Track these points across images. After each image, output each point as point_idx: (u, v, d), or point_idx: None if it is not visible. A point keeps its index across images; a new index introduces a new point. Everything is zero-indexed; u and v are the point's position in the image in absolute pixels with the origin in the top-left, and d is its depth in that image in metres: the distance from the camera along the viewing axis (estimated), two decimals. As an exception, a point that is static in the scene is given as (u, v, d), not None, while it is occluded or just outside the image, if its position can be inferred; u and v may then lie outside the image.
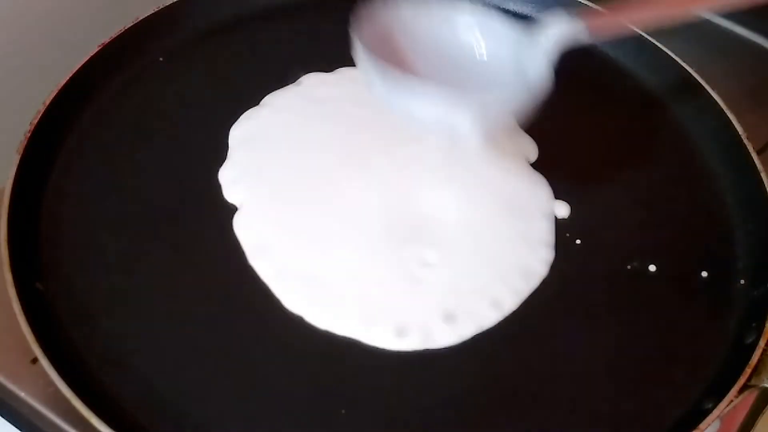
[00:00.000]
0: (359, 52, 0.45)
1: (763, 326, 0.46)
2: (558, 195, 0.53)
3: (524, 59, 0.46)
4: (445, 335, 0.47)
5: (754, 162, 0.54)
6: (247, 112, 0.57)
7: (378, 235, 0.50)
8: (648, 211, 0.54)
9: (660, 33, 0.58)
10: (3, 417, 0.48)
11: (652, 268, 0.50)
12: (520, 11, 0.65)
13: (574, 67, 0.60)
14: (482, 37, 0.48)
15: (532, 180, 0.54)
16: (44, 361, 0.42)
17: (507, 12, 0.65)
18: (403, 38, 0.48)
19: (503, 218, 0.52)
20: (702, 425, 0.42)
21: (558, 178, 0.54)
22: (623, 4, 0.47)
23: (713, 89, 0.58)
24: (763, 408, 0.48)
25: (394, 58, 0.47)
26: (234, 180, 0.53)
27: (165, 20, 0.60)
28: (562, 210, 0.53)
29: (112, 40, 0.57)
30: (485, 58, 0.48)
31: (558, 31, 0.46)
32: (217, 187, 0.53)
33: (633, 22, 0.50)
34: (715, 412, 0.43)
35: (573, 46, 0.47)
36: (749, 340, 0.46)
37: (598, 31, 0.47)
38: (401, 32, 0.48)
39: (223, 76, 0.60)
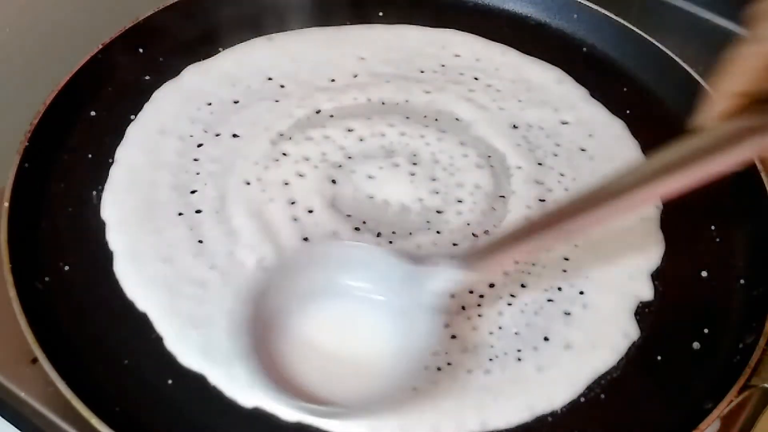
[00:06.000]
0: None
1: (763, 326, 0.46)
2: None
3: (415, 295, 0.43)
4: None
5: (754, 162, 0.54)
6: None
7: None
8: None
9: (661, 33, 0.58)
10: (3, 417, 0.48)
11: (651, 268, 0.50)
12: (520, 11, 0.65)
13: (574, 66, 0.61)
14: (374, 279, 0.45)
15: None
16: (44, 361, 0.42)
17: (506, 12, 0.65)
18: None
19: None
20: (702, 425, 0.43)
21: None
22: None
23: (713, 89, 0.58)
24: (763, 408, 0.47)
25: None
26: None
27: (165, 20, 0.60)
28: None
29: (112, 40, 0.58)
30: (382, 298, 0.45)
31: (443, 281, 0.43)
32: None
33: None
34: (715, 412, 0.43)
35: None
36: (749, 340, 0.46)
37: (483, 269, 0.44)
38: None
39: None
